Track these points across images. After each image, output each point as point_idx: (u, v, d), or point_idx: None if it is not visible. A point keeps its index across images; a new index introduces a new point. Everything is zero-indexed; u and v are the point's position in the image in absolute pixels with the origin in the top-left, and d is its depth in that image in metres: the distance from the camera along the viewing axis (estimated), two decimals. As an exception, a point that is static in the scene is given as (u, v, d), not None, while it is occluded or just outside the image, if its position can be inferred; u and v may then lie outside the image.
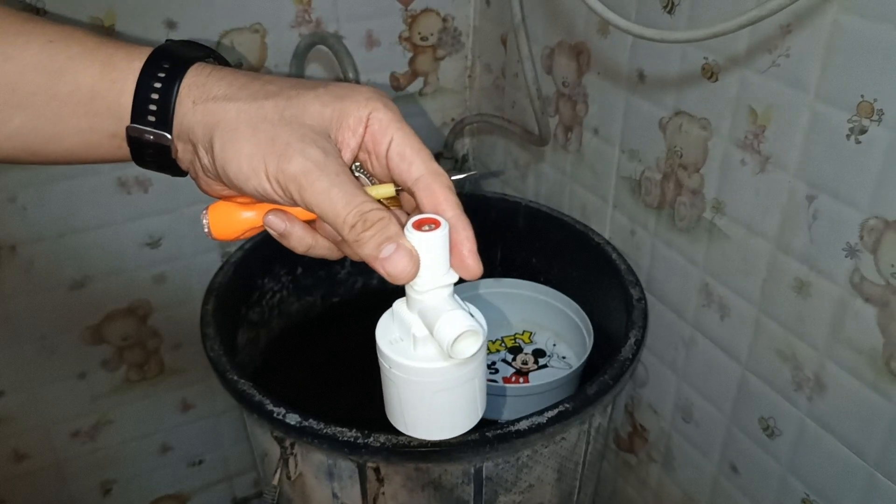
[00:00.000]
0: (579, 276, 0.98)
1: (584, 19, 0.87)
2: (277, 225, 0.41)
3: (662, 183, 0.82)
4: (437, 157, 1.17)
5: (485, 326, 0.40)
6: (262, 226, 0.42)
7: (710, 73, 0.72)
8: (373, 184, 0.42)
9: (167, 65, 0.39)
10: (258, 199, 0.40)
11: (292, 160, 0.37)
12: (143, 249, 1.01)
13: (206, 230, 0.43)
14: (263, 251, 0.94)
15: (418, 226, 0.38)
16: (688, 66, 0.74)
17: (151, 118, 0.39)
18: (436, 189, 0.39)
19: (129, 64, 0.39)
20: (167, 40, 0.41)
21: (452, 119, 1.17)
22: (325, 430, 0.66)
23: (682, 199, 0.80)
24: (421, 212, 0.39)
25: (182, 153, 0.40)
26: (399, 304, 0.41)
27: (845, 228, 0.63)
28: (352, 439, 0.65)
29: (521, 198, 1.04)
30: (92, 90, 0.38)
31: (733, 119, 0.71)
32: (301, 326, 1.06)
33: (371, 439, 0.65)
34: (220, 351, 0.76)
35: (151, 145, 0.39)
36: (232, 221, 0.43)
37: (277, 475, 0.74)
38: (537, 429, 0.67)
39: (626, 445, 1.02)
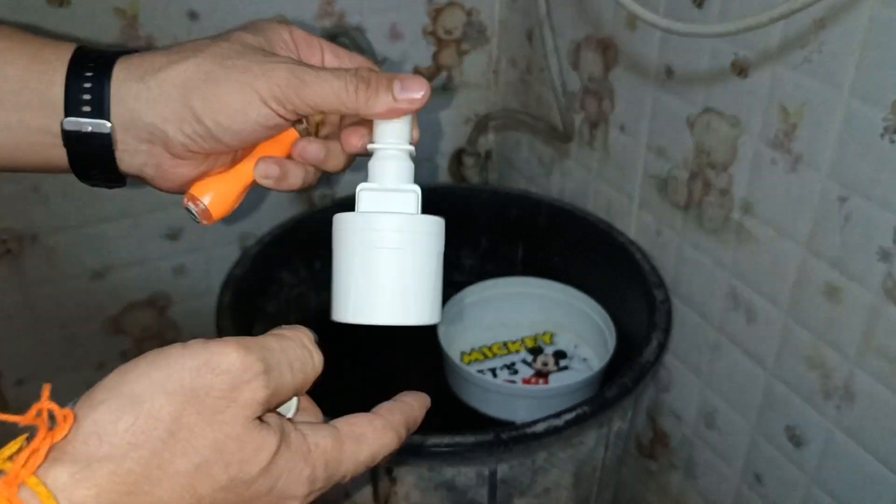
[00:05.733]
0: (602, 276, 0.96)
1: (612, 13, 0.86)
2: (272, 170, 0.41)
3: (690, 182, 0.80)
4: (460, 153, 1.16)
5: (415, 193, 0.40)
6: (254, 180, 0.42)
7: (741, 69, 0.70)
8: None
9: (95, 55, 0.39)
10: (248, 139, 0.39)
11: (276, 70, 0.38)
12: (163, 241, 1.01)
13: (197, 214, 0.41)
14: (282, 244, 0.93)
15: None
16: (717, 61, 0.72)
17: (86, 108, 0.38)
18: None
19: (57, 56, 0.38)
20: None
21: (476, 114, 1.15)
22: (336, 428, 0.65)
23: (709, 198, 0.78)
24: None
25: (135, 146, 0.39)
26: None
27: (879, 231, 0.60)
28: (363, 437, 0.64)
29: (543, 195, 1.02)
30: (20, 81, 0.38)
31: (764, 117, 0.68)
32: (319, 322, 1.05)
33: (383, 438, 0.64)
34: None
35: (90, 138, 0.38)
36: (223, 189, 0.41)
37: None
38: (554, 431, 0.66)
39: (646, 451, 1.00)
